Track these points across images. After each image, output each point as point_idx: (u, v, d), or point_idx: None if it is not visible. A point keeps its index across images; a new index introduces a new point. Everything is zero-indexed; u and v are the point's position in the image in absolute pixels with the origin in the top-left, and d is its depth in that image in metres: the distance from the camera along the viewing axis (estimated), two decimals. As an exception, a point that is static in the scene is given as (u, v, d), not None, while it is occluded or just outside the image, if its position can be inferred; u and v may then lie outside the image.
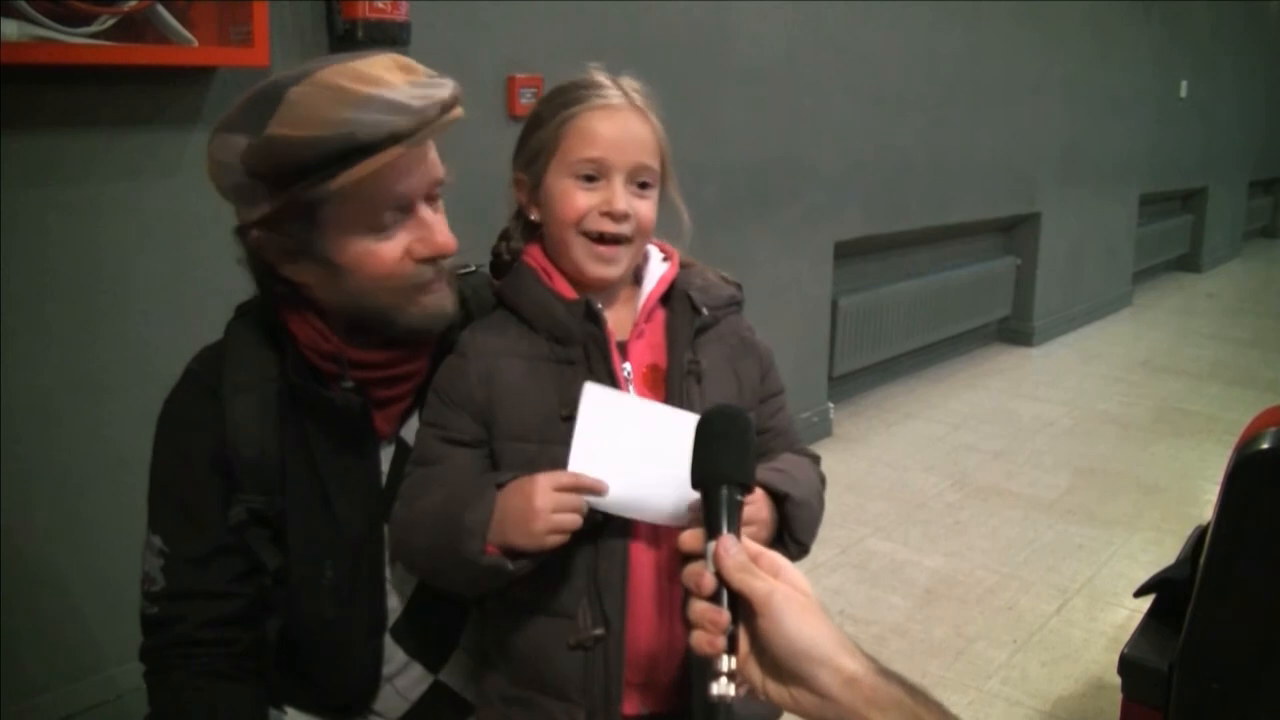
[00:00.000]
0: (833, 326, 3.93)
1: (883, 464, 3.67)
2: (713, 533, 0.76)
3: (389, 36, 2.10)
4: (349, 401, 1.05)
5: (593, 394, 0.98)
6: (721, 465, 0.79)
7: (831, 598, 2.67)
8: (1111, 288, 6.24)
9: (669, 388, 1.05)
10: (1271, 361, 5.22)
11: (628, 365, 1.05)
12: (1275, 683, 1.30)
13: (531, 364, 1.04)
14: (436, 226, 1.03)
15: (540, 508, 0.94)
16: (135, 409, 1.37)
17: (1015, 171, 4.95)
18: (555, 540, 0.95)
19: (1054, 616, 2.64)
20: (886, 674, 0.70)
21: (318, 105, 0.93)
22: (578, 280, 1.06)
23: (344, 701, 1.15)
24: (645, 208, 1.05)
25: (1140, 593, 1.61)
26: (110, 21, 1.68)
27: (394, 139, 0.93)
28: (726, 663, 0.70)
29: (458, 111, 1.00)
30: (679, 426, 0.94)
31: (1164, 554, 2.72)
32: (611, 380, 1.02)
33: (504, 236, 1.14)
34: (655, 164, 1.06)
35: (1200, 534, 1.57)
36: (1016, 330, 5.39)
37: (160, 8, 1.74)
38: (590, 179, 1.04)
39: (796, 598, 0.72)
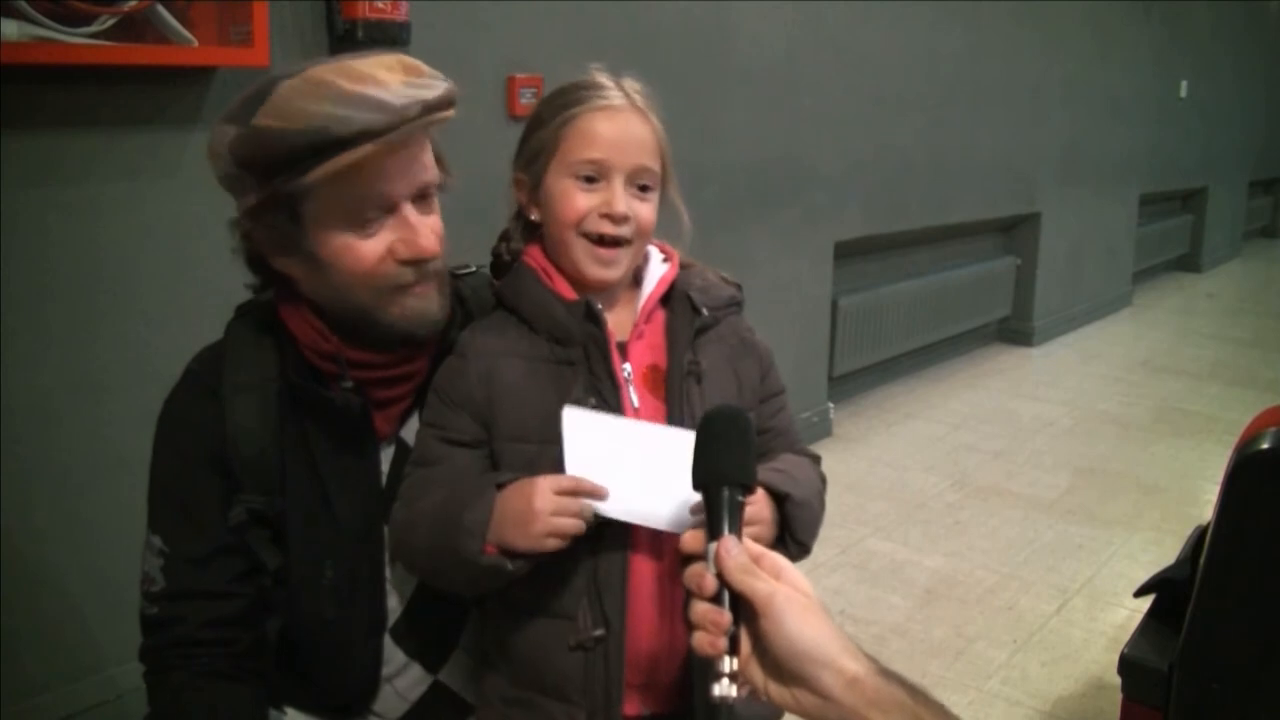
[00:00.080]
0: (833, 326, 3.93)
1: (883, 464, 3.67)
2: (714, 534, 0.76)
3: (389, 36, 2.10)
4: (349, 402, 1.05)
5: (572, 417, 0.98)
6: (722, 466, 0.79)
7: (832, 598, 2.67)
8: (1111, 288, 6.24)
9: (669, 388, 1.05)
10: (1271, 361, 5.22)
11: (628, 366, 1.05)
12: (1275, 683, 1.29)
13: (531, 364, 1.04)
14: (421, 229, 1.01)
15: (540, 510, 0.94)
16: (135, 409, 1.37)
17: (1015, 171, 4.95)
18: (554, 544, 0.95)
19: (1054, 616, 2.64)
20: (888, 675, 0.70)
21: (300, 99, 0.92)
22: (578, 281, 1.06)
23: (344, 702, 1.15)
24: (645, 210, 1.05)
25: (1140, 593, 1.61)
26: (110, 21, 1.68)
27: (366, 135, 0.92)
28: (728, 664, 0.71)
29: (446, 113, 0.99)
30: (660, 439, 0.96)
31: (1164, 554, 2.72)
32: (612, 381, 1.02)
33: (504, 237, 1.14)
34: (656, 165, 1.05)
35: (1200, 534, 1.57)
36: (1016, 330, 5.39)
37: (160, 8, 1.74)
38: (590, 180, 1.03)
39: (798, 599, 0.72)
